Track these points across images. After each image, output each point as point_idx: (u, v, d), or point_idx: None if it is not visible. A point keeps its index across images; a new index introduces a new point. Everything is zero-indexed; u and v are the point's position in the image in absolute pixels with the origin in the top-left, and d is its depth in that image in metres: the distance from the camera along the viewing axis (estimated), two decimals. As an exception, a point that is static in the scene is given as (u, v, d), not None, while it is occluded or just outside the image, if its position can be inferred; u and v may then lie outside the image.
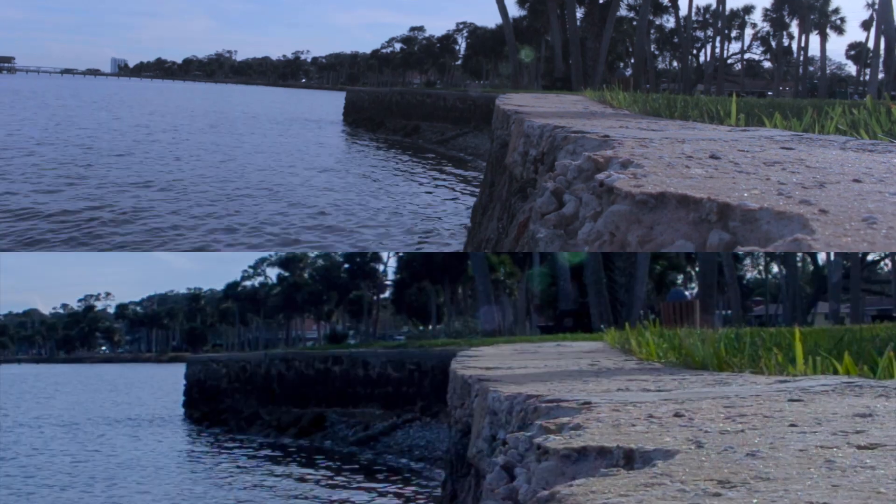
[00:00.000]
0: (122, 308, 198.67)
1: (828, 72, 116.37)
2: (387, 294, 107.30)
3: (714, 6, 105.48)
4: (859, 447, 2.50)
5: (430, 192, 34.07)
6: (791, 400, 3.74)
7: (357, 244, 24.31)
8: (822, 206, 2.41)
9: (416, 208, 29.66)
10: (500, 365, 8.15)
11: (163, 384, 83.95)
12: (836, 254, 53.87)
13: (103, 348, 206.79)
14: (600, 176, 2.91)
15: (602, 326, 21.69)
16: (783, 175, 3.00)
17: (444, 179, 38.65)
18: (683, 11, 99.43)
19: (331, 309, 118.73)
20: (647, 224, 2.54)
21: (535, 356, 9.92)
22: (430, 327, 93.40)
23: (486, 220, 9.90)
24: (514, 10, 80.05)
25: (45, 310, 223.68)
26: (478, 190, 20.30)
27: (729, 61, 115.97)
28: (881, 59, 68.96)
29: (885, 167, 3.30)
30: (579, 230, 2.82)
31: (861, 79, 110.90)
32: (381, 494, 25.07)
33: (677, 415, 3.35)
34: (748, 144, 4.11)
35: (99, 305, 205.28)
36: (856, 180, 2.91)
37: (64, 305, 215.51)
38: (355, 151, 51.33)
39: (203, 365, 50.73)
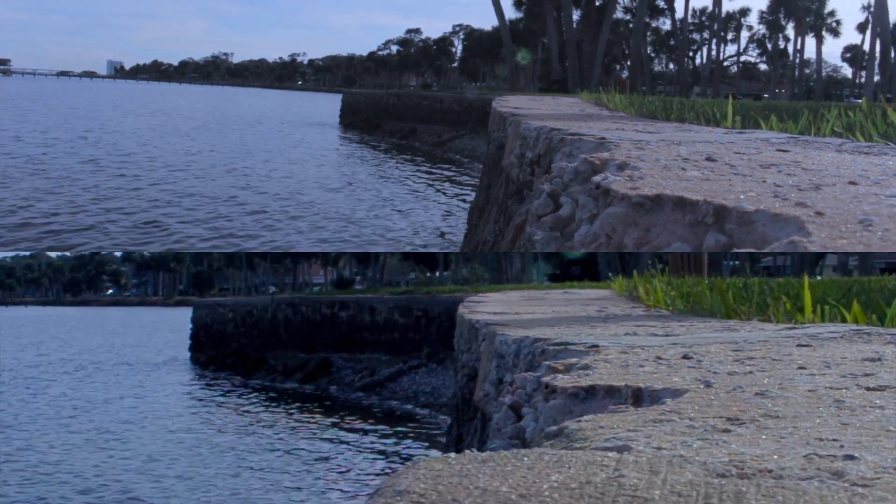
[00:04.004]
0: (128, 251, 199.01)
1: (824, 74, 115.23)
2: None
3: (710, 8, 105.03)
4: (868, 389, 2.51)
5: (428, 194, 33.74)
6: (800, 345, 3.75)
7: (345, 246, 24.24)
8: (819, 208, 2.40)
9: (414, 210, 29.42)
10: (508, 310, 8.18)
11: (169, 328, 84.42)
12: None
13: (110, 291, 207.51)
14: (597, 178, 2.91)
15: (610, 275, 21.69)
16: (779, 177, 2.99)
17: (441, 182, 38.28)
18: (680, 14, 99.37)
19: (338, 254, 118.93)
20: (644, 226, 2.54)
21: (543, 303, 9.96)
22: (438, 274, 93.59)
23: (483, 223, 9.87)
24: (511, 13, 79.39)
25: (52, 252, 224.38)
26: (474, 192, 20.21)
27: (725, 63, 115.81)
28: (877, 62, 68.48)
29: (881, 169, 3.29)
30: (576, 232, 2.82)
31: (857, 81, 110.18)
32: (387, 440, 25.25)
33: (686, 357, 3.37)
34: (744, 147, 4.10)
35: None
36: (852, 182, 2.90)
37: (71, 248, 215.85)
38: (351, 155, 50.86)
39: (210, 309, 50.91)
